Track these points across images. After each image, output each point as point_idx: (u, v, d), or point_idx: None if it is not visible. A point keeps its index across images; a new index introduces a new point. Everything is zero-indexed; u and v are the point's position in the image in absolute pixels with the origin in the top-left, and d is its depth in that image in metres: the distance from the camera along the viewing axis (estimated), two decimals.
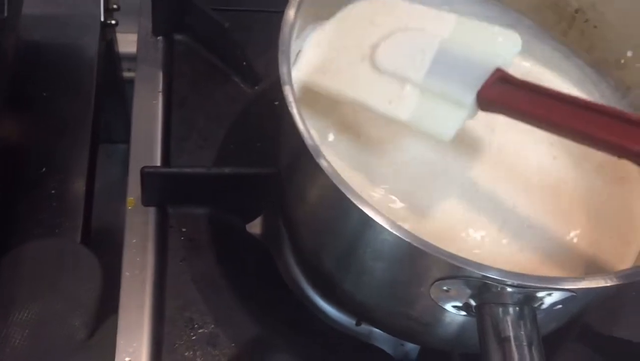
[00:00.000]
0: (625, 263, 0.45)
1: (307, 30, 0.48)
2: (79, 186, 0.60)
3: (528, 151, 0.49)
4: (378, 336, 0.51)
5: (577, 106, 0.38)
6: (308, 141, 0.37)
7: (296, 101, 0.38)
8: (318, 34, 0.48)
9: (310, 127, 0.38)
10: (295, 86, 0.41)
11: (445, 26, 0.45)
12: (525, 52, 0.53)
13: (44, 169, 0.60)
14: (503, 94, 0.41)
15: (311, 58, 0.47)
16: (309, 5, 0.44)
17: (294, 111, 0.37)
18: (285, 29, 0.41)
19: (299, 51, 0.48)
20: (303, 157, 0.38)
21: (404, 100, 0.43)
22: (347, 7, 0.49)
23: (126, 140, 0.89)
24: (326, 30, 0.48)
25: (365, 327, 0.51)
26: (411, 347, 0.51)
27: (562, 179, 0.49)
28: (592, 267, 0.45)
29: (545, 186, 0.48)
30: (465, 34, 0.44)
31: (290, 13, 0.42)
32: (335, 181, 0.36)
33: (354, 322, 0.51)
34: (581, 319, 0.52)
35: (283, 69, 0.39)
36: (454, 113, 0.42)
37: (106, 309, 0.52)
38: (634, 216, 0.47)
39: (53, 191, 0.59)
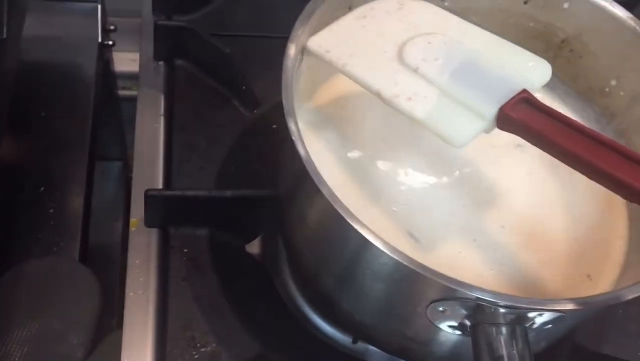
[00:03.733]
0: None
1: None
2: (77, 204, 0.61)
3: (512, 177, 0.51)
4: (374, 354, 0.52)
5: (595, 141, 0.39)
6: (310, 169, 0.38)
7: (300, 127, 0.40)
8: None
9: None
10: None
11: (474, 39, 0.45)
12: None
13: (42, 188, 0.61)
14: (525, 115, 0.41)
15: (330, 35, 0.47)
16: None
17: (297, 141, 0.39)
18: (287, 62, 0.43)
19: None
20: (304, 184, 0.40)
21: (423, 99, 0.42)
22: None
23: (120, 158, 0.90)
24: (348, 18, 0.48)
25: (361, 345, 0.52)
26: None
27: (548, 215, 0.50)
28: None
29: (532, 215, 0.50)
30: (496, 51, 0.45)
31: (291, 49, 0.43)
32: (338, 209, 0.38)
33: (350, 340, 0.52)
34: (571, 338, 0.54)
35: (286, 101, 0.40)
36: (471, 122, 0.41)
37: (103, 327, 0.53)
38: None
39: (51, 210, 0.60)
